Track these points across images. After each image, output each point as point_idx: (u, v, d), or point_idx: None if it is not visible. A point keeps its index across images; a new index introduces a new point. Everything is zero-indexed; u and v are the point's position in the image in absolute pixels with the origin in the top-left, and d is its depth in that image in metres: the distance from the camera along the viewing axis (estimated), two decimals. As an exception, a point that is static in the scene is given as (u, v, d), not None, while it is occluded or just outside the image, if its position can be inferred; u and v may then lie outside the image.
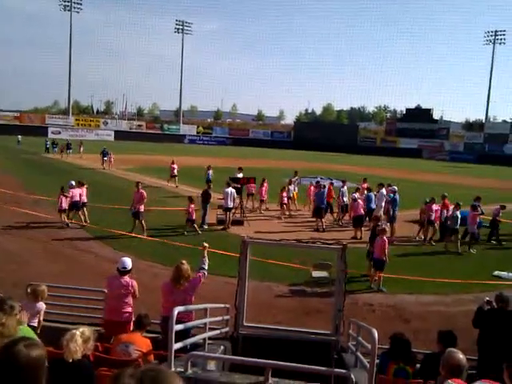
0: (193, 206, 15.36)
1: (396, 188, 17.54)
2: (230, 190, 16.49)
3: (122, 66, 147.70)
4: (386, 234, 11.22)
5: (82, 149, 41.53)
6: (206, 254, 6.70)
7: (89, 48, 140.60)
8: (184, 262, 6.43)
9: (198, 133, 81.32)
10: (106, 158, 33.37)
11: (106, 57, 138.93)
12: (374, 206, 16.91)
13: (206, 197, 16.53)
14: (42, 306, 6.12)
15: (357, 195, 16.84)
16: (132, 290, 6.61)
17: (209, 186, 17.02)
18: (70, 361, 3.64)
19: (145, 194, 15.18)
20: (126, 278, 6.65)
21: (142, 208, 15.00)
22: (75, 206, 15.91)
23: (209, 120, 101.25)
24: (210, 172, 22.99)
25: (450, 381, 1.43)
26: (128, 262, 6.76)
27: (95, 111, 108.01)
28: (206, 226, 16.41)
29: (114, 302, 6.58)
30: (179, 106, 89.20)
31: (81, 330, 3.88)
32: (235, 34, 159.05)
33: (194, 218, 15.38)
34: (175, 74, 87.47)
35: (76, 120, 75.32)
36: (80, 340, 3.77)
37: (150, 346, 5.09)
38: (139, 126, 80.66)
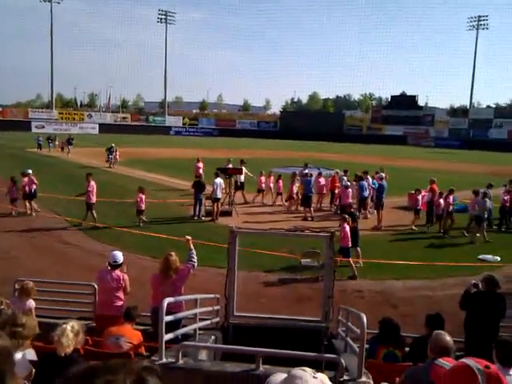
0: (142, 196, 15.32)
1: (383, 175, 17.71)
2: (219, 180, 16.49)
3: (105, 58, 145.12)
4: (347, 222, 11.37)
5: (57, 142, 40.76)
6: (192, 247, 6.68)
7: (71, 40, 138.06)
8: (172, 253, 6.43)
9: (183, 124, 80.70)
10: (111, 156, 30.16)
11: (88, 49, 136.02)
12: (366, 194, 17.06)
13: (199, 187, 16.52)
14: (32, 303, 6.08)
15: (349, 183, 16.91)
16: (123, 284, 6.59)
17: (200, 176, 16.94)
18: (62, 355, 3.65)
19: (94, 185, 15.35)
20: (118, 272, 6.63)
21: (93, 199, 15.17)
22: (29, 195, 16.18)
23: (194, 111, 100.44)
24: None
25: (440, 359, 1.47)
26: (119, 255, 6.74)
27: (79, 104, 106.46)
28: (203, 218, 16.43)
29: (106, 296, 6.58)
30: (164, 98, 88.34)
31: (70, 324, 3.87)
32: (219, 23, 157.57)
33: (143, 208, 15.31)
34: (160, 65, 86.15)
35: (60, 113, 74.16)
36: (71, 334, 3.78)
37: (140, 338, 5.10)
38: (124, 118, 79.74)
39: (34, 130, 64.52)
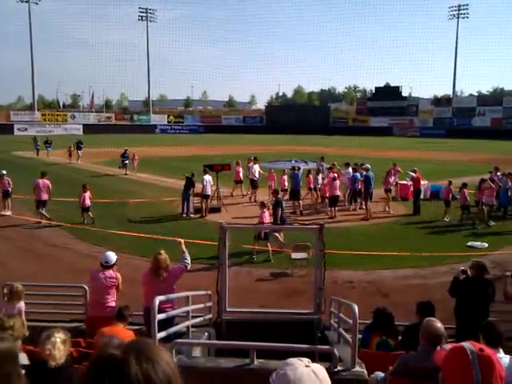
0: (86, 194, 15.31)
1: (369, 166, 17.88)
2: (208, 177, 16.47)
3: (87, 58, 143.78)
4: (267, 208, 12.16)
5: (38, 144, 39.79)
6: (184, 249, 6.62)
7: (51, 41, 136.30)
8: (162, 251, 6.41)
9: (169, 122, 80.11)
10: (127, 162, 27.08)
11: (69, 49, 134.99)
12: (359, 186, 17.30)
13: (188, 184, 16.49)
14: (22, 305, 6.03)
15: (337, 174, 16.97)
16: (117, 283, 6.58)
17: (192, 174, 16.89)
18: (53, 366, 3.71)
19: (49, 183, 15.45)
20: (111, 271, 6.61)
21: (45, 197, 15.23)
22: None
23: (179, 108, 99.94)
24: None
25: (448, 345, 1.49)
26: (111, 256, 6.69)
27: (61, 105, 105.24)
28: (191, 215, 16.39)
29: (98, 296, 6.52)
30: (148, 96, 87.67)
31: (57, 335, 3.93)
32: (201, 19, 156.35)
33: (87, 206, 15.31)
34: (142, 63, 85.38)
35: (42, 115, 73.12)
36: (62, 346, 3.86)
37: (133, 337, 5.06)
38: (108, 118, 78.86)
39: (16, 132, 63.65)
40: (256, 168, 19.24)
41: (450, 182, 16.57)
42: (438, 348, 1.61)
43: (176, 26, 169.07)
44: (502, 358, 4.01)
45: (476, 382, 1.39)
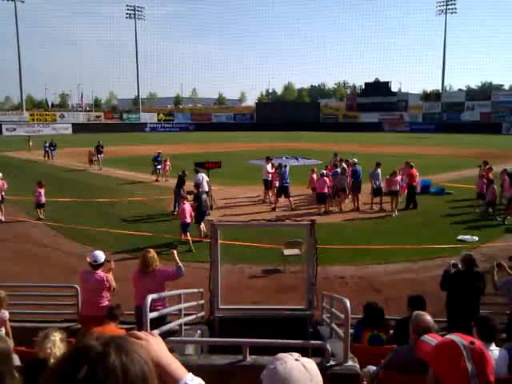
0: (41, 190, 15.34)
1: (356, 160, 18.30)
2: (202, 175, 16.52)
3: (75, 57, 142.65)
4: (187, 200, 12.70)
5: (31, 144, 39.28)
6: (178, 260, 6.50)
7: (39, 40, 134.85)
8: (150, 250, 6.44)
9: (158, 120, 79.85)
10: (159, 167, 23.81)
11: (57, 48, 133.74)
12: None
13: (179, 182, 16.46)
14: (5, 315, 5.72)
15: (325, 171, 16.98)
16: (108, 285, 6.50)
17: (184, 173, 16.84)
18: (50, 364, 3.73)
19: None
20: (100, 273, 6.53)
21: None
22: None
23: (169, 106, 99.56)
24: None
25: (425, 336, 1.49)
26: (99, 255, 6.63)
27: (50, 105, 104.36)
28: None
29: (89, 296, 6.49)
30: (137, 94, 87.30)
31: (55, 334, 3.97)
32: (190, 16, 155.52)
33: (42, 202, 15.40)
34: (131, 62, 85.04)
35: (31, 115, 72.52)
36: (61, 344, 3.90)
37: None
38: (97, 117, 78.38)
39: (5, 133, 63.22)
40: (269, 168, 18.45)
41: (484, 176, 16.36)
42: (419, 341, 1.61)
43: (165, 24, 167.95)
44: (493, 350, 4.06)
45: (472, 376, 1.39)
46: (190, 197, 13.37)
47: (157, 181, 23.62)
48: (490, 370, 1.44)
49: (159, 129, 76.94)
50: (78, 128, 69.53)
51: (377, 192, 16.81)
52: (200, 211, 13.11)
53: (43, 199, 15.45)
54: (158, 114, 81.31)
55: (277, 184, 17.90)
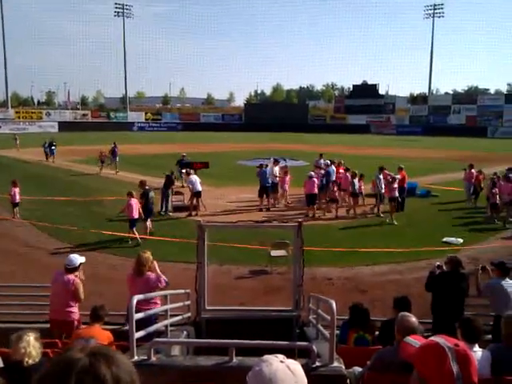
0: (16, 189, 15.34)
1: (329, 162, 18.86)
2: (195, 177, 16.58)
3: (61, 54, 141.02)
4: (132, 197, 12.98)
5: (18, 142, 38.54)
6: (158, 271, 6.52)
7: (25, 37, 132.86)
8: (146, 251, 6.43)
9: (146, 119, 79.35)
10: (183, 171, 19.74)
11: (44, 45, 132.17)
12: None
13: (167, 182, 16.42)
14: None
15: (313, 173, 17.04)
16: (73, 289, 6.22)
17: (171, 172, 16.80)
18: (30, 363, 3.68)
19: None
20: (70, 276, 6.28)
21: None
22: None
23: (157, 106, 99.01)
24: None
25: (408, 337, 1.51)
26: (74, 258, 6.42)
27: (36, 102, 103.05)
28: (170, 213, 16.33)
29: (56, 299, 6.30)
30: (125, 93, 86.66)
31: (29, 333, 3.92)
32: (179, 15, 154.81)
33: (16, 201, 15.38)
34: (119, 60, 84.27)
35: (16, 113, 71.52)
36: (36, 344, 3.86)
37: (110, 337, 5.01)
38: (84, 115, 77.56)
39: (-10, 130, 62.28)
40: (276, 170, 18.32)
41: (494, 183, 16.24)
42: (403, 343, 1.64)
43: (153, 23, 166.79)
44: (477, 351, 4.11)
45: (457, 378, 1.41)
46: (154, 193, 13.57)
47: (182, 187, 19.82)
48: (474, 371, 1.46)
49: (147, 128, 76.44)
50: (64, 126, 68.69)
51: (380, 197, 16.44)
52: (147, 208, 13.40)
53: (18, 198, 15.39)
54: (146, 114, 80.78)
55: (286, 187, 17.96)
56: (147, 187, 13.95)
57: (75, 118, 75.29)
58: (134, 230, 12.89)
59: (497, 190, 15.56)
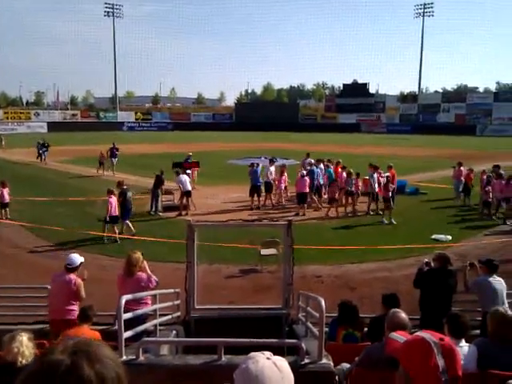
0: (5, 190, 15.33)
1: (312, 161, 18.82)
2: (184, 176, 16.63)
3: (51, 54, 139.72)
4: (114, 194, 13.22)
5: (3, 143, 37.91)
6: (149, 271, 6.53)
7: (14, 36, 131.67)
8: (136, 251, 6.42)
9: (136, 119, 78.89)
10: (189, 172, 19.41)
11: (33, 45, 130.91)
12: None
13: (157, 182, 16.39)
14: None
15: (305, 172, 17.06)
16: (75, 289, 6.31)
17: (161, 171, 16.77)
18: (23, 364, 3.69)
19: None
20: (71, 276, 6.38)
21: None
22: None
23: (147, 105, 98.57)
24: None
25: (393, 333, 1.53)
26: (74, 258, 6.50)
27: (25, 103, 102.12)
28: (160, 213, 16.29)
29: (57, 299, 6.33)
30: (115, 93, 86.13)
31: (22, 333, 3.91)
32: (171, 16, 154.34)
33: (5, 202, 15.38)
34: (109, 60, 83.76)
35: (5, 113, 70.77)
36: (30, 344, 3.84)
37: (99, 337, 4.98)
38: (73, 115, 76.98)
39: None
40: (272, 170, 18.24)
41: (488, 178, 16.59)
42: (388, 339, 1.65)
43: (145, 23, 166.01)
44: (463, 346, 4.15)
45: (442, 372, 1.43)
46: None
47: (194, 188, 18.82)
48: (459, 365, 1.48)
49: (137, 128, 76.02)
50: (53, 126, 68.05)
51: (374, 197, 16.41)
52: (125, 208, 13.48)
53: (7, 199, 15.33)
54: (136, 113, 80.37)
55: (283, 186, 18.02)
56: (125, 187, 14.06)
57: (64, 118, 74.68)
58: (115, 227, 13.10)
59: (490, 188, 15.72)
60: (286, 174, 18.13)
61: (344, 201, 16.72)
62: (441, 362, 1.46)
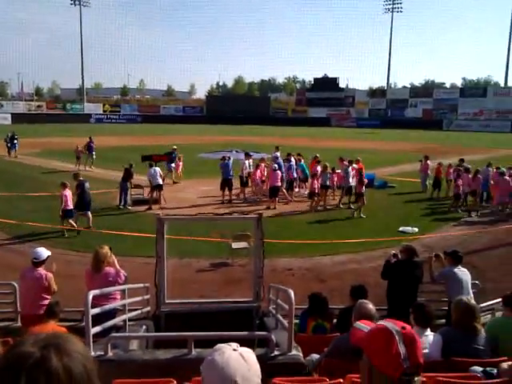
0: None
1: (278, 154, 18.80)
2: (155, 168, 16.47)
3: (15, 43, 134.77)
4: (67, 188, 12.94)
5: None
6: (118, 266, 6.45)
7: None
8: (104, 246, 6.31)
9: (104, 111, 77.34)
10: (173, 165, 20.52)
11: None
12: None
13: (125, 176, 16.14)
14: None
15: (277, 165, 17.08)
16: (46, 284, 6.23)
17: (130, 165, 16.52)
18: None
19: None
20: (40, 270, 6.28)
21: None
22: None
23: (115, 97, 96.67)
24: None
25: (358, 322, 1.56)
26: (41, 252, 6.39)
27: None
28: (129, 207, 16.09)
29: (28, 294, 6.25)
30: (82, 84, 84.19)
31: None
32: (141, 6, 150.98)
33: None
34: (75, 50, 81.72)
35: (-34, 104, 68.37)
36: None
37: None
38: (39, 106, 74.85)
39: None
40: (247, 164, 18.14)
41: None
42: (353, 328, 1.68)
43: (112, 12, 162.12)
44: (428, 335, 4.27)
45: (404, 359, 1.47)
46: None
47: (174, 182, 20.44)
48: (420, 352, 1.52)
49: (105, 120, 74.54)
50: (17, 118, 65.96)
51: (348, 191, 16.55)
52: (84, 199, 13.33)
53: None
54: (104, 105, 78.78)
55: (259, 181, 17.81)
56: (81, 178, 13.86)
57: (29, 109, 72.53)
58: (71, 220, 12.92)
59: (461, 181, 16.16)
60: (263, 167, 18.04)
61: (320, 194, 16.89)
62: (402, 350, 1.50)
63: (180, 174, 21.15)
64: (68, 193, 12.83)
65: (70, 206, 12.81)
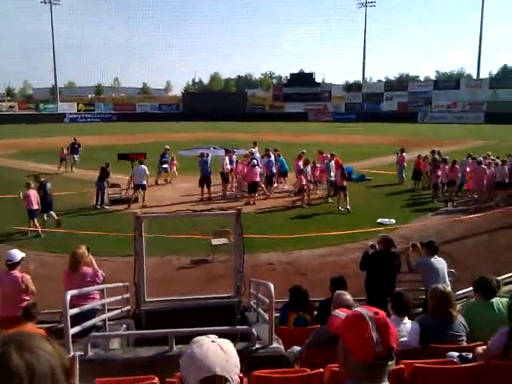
0: None
1: (253, 150, 19.21)
2: (143, 167, 16.29)
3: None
4: (32, 188, 12.90)
5: None
6: (96, 266, 6.38)
7: None
8: (81, 246, 6.23)
9: (78, 110, 75.93)
10: (166, 166, 20.26)
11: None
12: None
13: (102, 175, 15.94)
14: None
15: (255, 161, 17.09)
16: (23, 286, 6.14)
17: (107, 164, 16.31)
18: None
19: None
20: (15, 273, 6.18)
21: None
22: None
23: (90, 96, 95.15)
24: None
25: (336, 310, 1.59)
26: (14, 254, 6.27)
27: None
28: (106, 207, 15.89)
29: (6, 298, 6.13)
30: (55, 83, 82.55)
31: None
32: (113, 2, 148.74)
33: None
34: (47, 49, 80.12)
35: None
36: None
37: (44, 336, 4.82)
38: (11, 107, 73.17)
39: None
40: (227, 160, 18.02)
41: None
42: (330, 317, 1.72)
43: (84, 9, 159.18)
44: (406, 323, 4.35)
45: (376, 344, 1.51)
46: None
47: (166, 181, 20.32)
48: (393, 337, 1.56)
49: (79, 119, 73.22)
50: (-12, 119, 64.47)
51: (332, 184, 16.64)
52: (45, 200, 13.24)
53: None
54: (78, 104, 77.36)
55: (240, 176, 17.86)
56: (43, 179, 13.77)
57: (0, 110, 70.83)
58: (35, 221, 12.77)
59: (440, 172, 16.46)
60: (243, 163, 18.00)
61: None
62: (375, 335, 1.53)
63: (174, 173, 20.80)
64: (32, 192, 12.72)
65: (35, 206, 12.70)
